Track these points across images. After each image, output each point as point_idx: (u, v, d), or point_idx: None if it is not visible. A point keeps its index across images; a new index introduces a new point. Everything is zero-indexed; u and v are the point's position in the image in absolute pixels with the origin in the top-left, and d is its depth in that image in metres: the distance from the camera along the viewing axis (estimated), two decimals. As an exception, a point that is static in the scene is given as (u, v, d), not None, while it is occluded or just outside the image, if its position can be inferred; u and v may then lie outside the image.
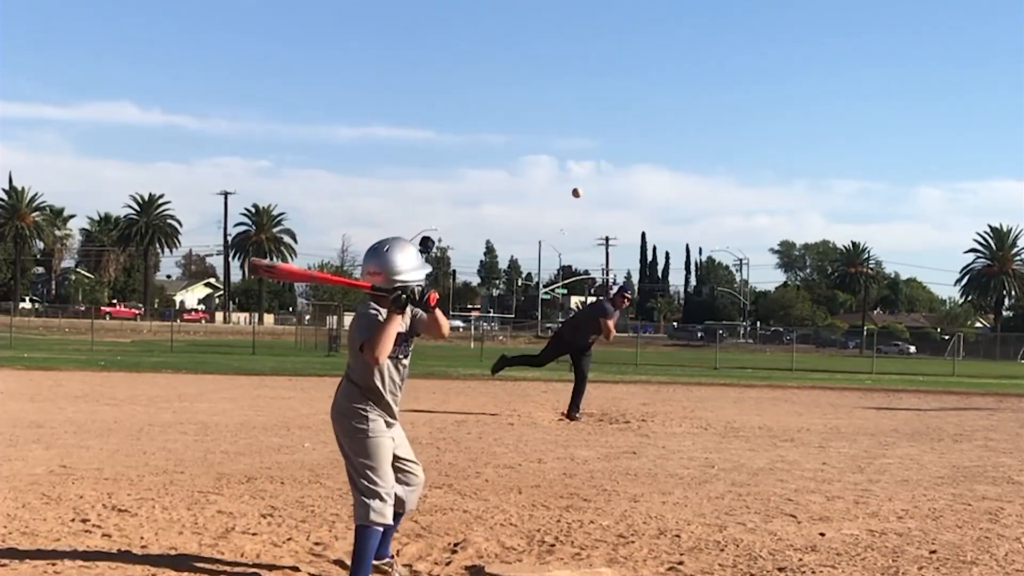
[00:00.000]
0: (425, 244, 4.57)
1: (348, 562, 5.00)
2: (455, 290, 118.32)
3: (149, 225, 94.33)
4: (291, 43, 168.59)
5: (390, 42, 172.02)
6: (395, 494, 4.56)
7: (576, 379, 13.43)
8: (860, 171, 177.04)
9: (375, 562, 4.65)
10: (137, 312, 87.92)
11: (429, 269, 4.54)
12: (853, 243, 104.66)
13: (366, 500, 4.44)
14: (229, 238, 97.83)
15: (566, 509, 6.55)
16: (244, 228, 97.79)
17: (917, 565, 5.23)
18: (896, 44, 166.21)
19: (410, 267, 4.42)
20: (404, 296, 4.33)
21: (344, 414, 4.55)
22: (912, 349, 76.74)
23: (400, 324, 4.45)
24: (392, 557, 4.90)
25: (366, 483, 4.46)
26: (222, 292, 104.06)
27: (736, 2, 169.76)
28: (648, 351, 50.21)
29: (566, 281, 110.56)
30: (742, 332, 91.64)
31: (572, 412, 13.06)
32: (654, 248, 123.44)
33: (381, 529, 4.51)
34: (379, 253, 4.44)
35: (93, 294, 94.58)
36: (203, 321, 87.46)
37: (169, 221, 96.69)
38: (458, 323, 77.31)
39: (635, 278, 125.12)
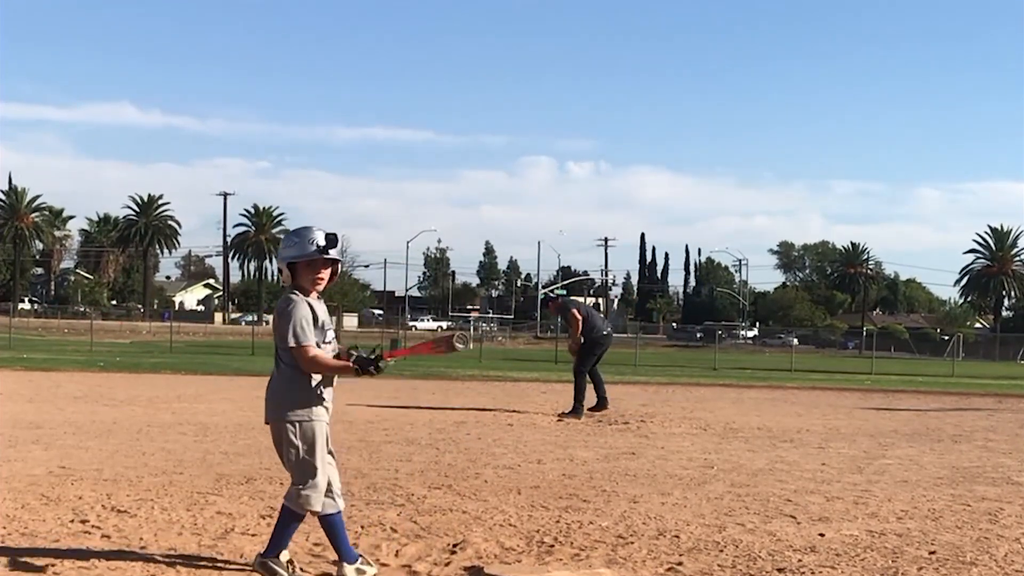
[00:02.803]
0: (329, 240, 4.53)
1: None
2: (454, 291, 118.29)
3: (148, 226, 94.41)
4: (291, 43, 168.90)
5: (390, 42, 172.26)
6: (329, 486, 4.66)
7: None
8: (859, 172, 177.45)
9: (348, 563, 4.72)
10: None
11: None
12: (852, 244, 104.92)
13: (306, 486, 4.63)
14: (228, 239, 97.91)
15: (565, 510, 6.55)
16: (244, 229, 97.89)
17: (917, 566, 5.23)
18: (896, 45, 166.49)
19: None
20: (363, 359, 4.48)
21: (288, 402, 4.61)
22: (795, 341, 77.07)
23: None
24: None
25: (309, 469, 4.61)
26: (221, 293, 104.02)
27: (735, 3, 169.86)
28: (647, 352, 50.22)
29: (565, 282, 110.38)
30: (741, 335, 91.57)
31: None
32: (653, 249, 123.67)
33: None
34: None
35: (92, 295, 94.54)
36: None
37: (168, 222, 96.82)
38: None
39: (634, 279, 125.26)
